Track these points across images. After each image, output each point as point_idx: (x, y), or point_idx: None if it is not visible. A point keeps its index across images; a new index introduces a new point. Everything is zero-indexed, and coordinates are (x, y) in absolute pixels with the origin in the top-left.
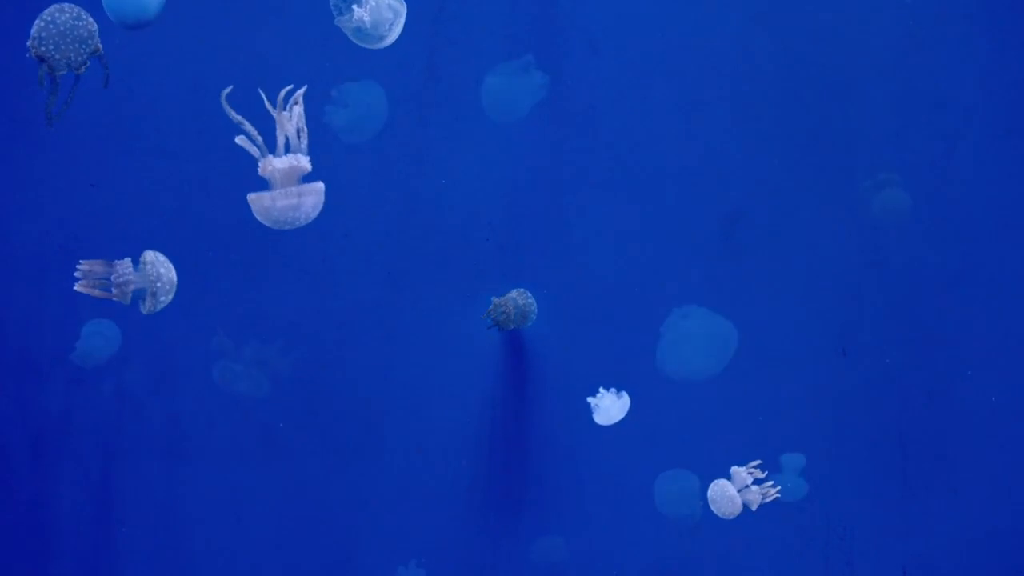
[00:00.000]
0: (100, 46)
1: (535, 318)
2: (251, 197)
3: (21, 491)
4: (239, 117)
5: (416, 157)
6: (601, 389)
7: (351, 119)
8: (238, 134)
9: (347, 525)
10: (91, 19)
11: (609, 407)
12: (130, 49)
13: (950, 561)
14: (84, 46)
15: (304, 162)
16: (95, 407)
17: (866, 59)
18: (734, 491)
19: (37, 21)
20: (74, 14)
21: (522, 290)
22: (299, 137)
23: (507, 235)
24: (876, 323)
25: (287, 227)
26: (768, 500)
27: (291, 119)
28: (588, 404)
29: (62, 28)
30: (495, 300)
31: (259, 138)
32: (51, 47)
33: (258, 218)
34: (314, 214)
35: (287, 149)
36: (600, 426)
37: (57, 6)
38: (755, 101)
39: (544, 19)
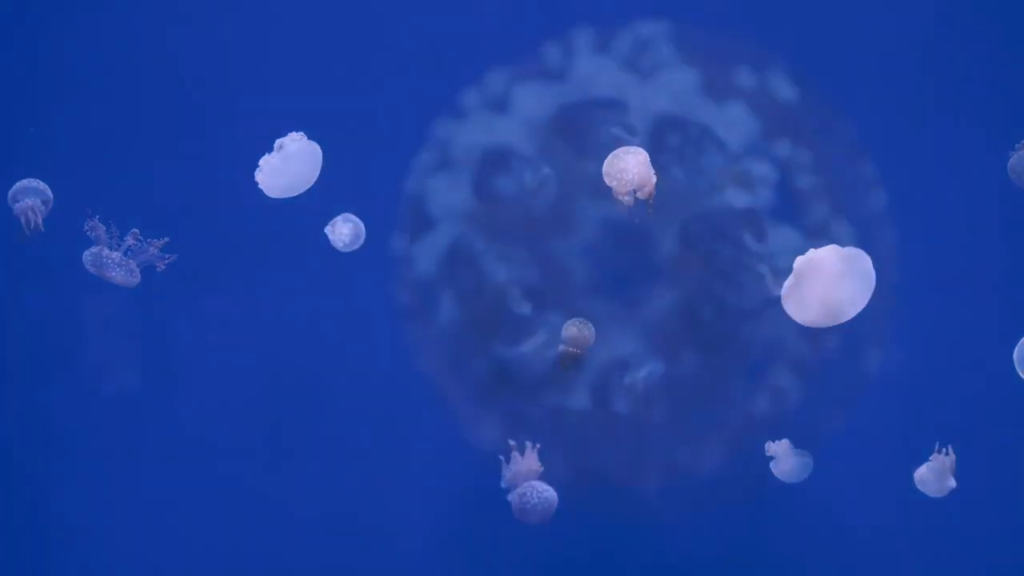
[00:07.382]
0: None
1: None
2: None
3: (21, 491)
4: None
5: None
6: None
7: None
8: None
9: (347, 525)
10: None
11: (786, 464)
12: (132, 48)
13: (953, 561)
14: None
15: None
16: (95, 407)
17: None
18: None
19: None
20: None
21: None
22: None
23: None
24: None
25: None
26: None
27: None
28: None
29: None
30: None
31: None
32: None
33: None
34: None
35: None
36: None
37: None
38: None
39: (549, 22)
